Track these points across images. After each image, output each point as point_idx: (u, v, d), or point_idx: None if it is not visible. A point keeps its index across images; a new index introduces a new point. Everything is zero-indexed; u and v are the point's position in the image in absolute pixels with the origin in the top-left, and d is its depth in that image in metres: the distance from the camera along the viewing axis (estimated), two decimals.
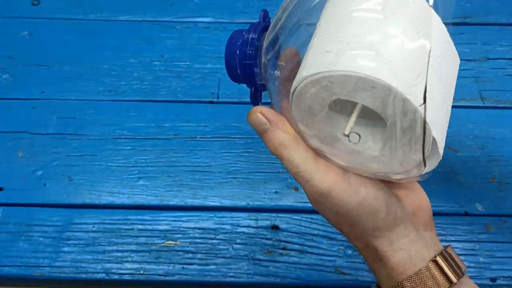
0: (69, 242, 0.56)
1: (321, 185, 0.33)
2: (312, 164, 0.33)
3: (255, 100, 0.37)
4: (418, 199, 0.38)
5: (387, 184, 0.37)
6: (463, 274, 0.36)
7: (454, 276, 0.35)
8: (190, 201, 0.58)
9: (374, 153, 0.33)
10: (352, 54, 0.30)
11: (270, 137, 0.34)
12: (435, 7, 0.31)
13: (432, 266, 0.35)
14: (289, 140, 0.33)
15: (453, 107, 0.66)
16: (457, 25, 0.73)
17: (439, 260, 0.36)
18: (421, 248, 0.36)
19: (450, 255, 0.37)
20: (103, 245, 0.56)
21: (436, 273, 0.35)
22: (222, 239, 0.56)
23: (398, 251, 0.36)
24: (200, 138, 0.63)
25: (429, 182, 0.58)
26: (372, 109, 0.31)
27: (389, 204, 0.35)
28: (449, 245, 0.38)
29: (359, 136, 0.34)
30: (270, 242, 0.55)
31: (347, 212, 0.34)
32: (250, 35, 0.36)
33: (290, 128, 0.34)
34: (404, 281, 0.35)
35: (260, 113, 0.34)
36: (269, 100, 0.37)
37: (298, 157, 0.33)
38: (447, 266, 0.35)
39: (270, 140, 0.34)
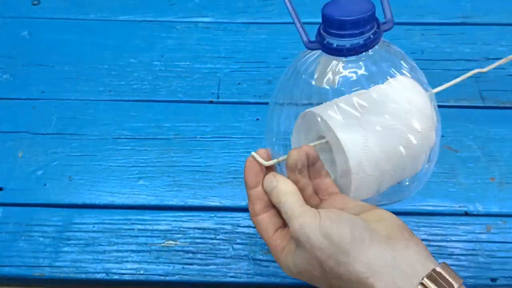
0: (69, 242, 0.56)
1: (299, 218, 0.40)
2: (299, 207, 0.41)
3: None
4: (390, 223, 0.40)
5: (361, 215, 0.40)
6: (460, 284, 0.36)
7: None
8: (190, 201, 0.58)
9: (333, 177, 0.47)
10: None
11: (277, 188, 0.42)
12: None
13: None
14: (289, 191, 0.42)
15: (453, 107, 0.66)
16: (457, 25, 0.73)
17: (427, 282, 0.36)
18: (407, 269, 0.37)
19: (439, 274, 0.36)
20: (103, 245, 0.56)
21: None
22: (222, 239, 0.56)
23: (380, 276, 0.36)
24: (200, 138, 0.63)
25: (429, 182, 0.58)
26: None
27: (354, 229, 0.38)
28: (444, 262, 0.38)
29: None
30: None
31: (319, 245, 0.38)
32: None
33: (291, 185, 0.43)
34: None
35: (272, 175, 0.43)
36: None
37: (291, 200, 0.42)
38: (437, 287, 0.36)
39: (276, 192, 0.42)
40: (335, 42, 0.43)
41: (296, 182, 0.44)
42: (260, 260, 0.54)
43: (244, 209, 0.58)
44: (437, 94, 0.66)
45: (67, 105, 0.67)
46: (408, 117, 0.45)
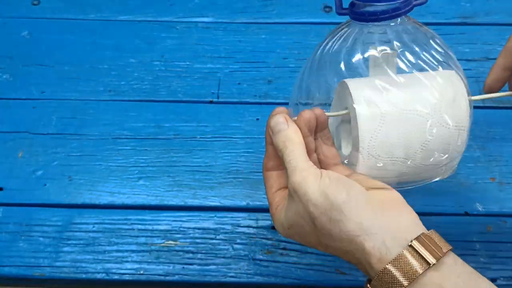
0: (69, 242, 0.56)
1: (303, 172, 0.39)
2: (304, 161, 0.40)
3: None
4: (387, 192, 0.40)
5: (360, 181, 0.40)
6: (443, 254, 0.36)
7: (432, 258, 0.36)
8: (190, 201, 0.59)
9: (345, 154, 0.47)
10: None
11: (286, 133, 0.42)
12: None
13: (407, 251, 0.36)
14: (297, 141, 0.41)
15: None
16: (457, 25, 0.73)
17: (415, 244, 0.36)
18: (397, 232, 0.37)
19: (429, 238, 0.37)
20: (103, 245, 0.56)
21: (413, 257, 0.36)
22: (222, 239, 0.56)
23: (371, 236, 0.37)
24: (200, 138, 0.63)
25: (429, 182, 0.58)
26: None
27: (350, 190, 0.38)
28: (433, 229, 0.38)
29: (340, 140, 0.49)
30: (270, 242, 0.55)
31: (314, 201, 0.38)
32: None
33: (301, 136, 0.42)
34: (386, 267, 0.36)
35: (283, 116, 0.42)
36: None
37: (298, 152, 0.41)
38: (424, 249, 0.36)
39: (284, 135, 0.42)
40: (362, 8, 0.44)
41: (308, 145, 0.43)
42: (260, 260, 0.54)
43: (244, 209, 0.58)
44: None
45: (67, 105, 0.67)
46: (437, 110, 0.44)
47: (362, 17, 0.44)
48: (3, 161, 0.62)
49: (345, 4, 0.46)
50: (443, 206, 0.57)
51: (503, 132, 0.62)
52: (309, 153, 0.43)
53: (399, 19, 0.45)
